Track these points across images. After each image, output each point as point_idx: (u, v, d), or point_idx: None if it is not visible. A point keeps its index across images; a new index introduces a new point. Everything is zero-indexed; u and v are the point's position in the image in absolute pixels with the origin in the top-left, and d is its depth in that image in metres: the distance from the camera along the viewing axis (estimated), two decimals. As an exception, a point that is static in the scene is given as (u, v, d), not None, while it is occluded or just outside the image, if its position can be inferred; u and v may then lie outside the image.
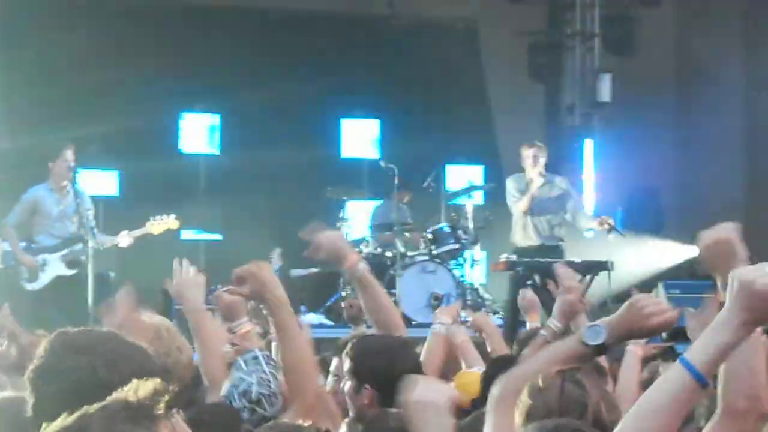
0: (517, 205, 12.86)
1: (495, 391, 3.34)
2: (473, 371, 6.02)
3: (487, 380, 5.15)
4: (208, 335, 4.90)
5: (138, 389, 2.31)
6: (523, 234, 12.98)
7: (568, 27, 17.19)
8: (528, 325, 6.91)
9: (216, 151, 16.43)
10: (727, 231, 3.38)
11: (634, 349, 5.82)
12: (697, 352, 2.59)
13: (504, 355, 5.80)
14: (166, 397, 2.29)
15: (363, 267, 4.96)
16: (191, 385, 4.60)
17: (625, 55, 17.16)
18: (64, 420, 2.40)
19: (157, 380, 2.33)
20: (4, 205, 12.35)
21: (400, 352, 4.52)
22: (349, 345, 4.61)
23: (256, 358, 4.70)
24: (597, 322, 3.35)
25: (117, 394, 2.33)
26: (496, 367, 5.18)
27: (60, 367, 3.01)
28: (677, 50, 18.22)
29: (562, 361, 3.40)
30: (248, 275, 4.14)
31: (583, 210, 13.37)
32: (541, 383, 3.48)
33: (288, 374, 4.13)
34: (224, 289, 4.31)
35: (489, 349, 6.50)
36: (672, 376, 2.60)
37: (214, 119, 16.40)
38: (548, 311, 12.57)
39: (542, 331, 5.66)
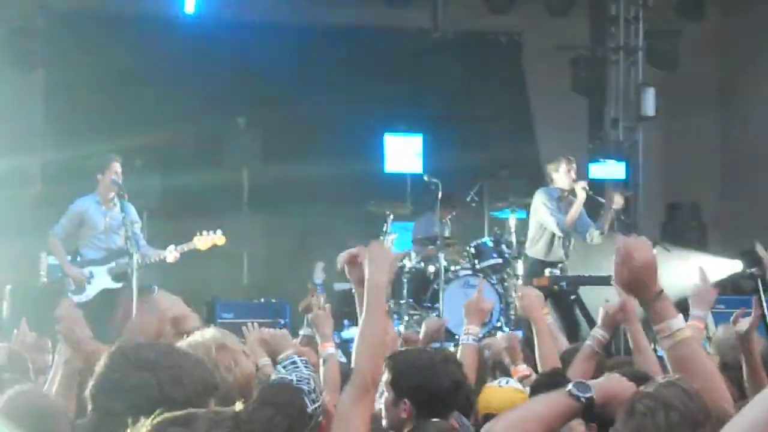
0: (563, 220, 12.80)
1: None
2: (496, 386, 6.03)
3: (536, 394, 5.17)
4: None
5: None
6: (548, 249, 12.95)
7: (612, 41, 17.18)
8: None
9: (260, 164, 16.49)
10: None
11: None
12: None
13: (552, 369, 5.78)
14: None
15: None
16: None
17: (669, 69, 17.12)
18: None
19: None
20: (51, 216, 12.42)
21: (440, 368, 4.52)
22: (389, 356, 4.62)
23: (294, 362, 4.74)
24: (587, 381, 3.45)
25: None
26: (544, 383, 5.20)
27: (125, 384, 3.04)
28: (721, 64, 18.16)
29: (553, 416, 3.47)
30: (373, 256, 4.16)
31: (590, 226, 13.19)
32: (684, 387, 3.53)
33: (360, 349, 4.12)
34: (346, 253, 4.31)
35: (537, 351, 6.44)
36: None
37: (259, 132, 16.44)
38: (589, 325, 12.60)
39: (588, 342, 5.69)
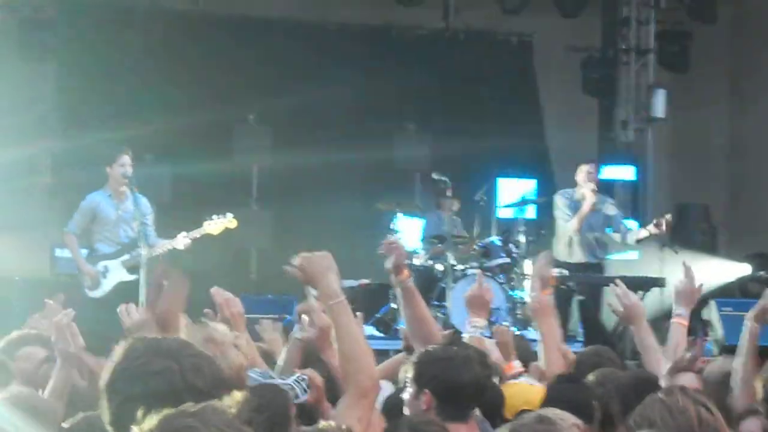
0: (571, 223, 12.88)
1: None
2: (514, 383, 6.05)
3: (552, 398, 5.20)
4: None
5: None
6: (568, 251, 13.01)
7: (623, 42, 17.17)
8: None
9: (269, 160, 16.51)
10: None
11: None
12: None
13: (570, 374, 5.78)
14: None
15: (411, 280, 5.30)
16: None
17: (680, 71, 17.12)
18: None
19: None
20: (61, 207, 12.42)
21: (461, 362, 4.52)
22: (415, 353, 4.64)
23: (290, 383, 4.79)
24: None
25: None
26: (560, 387, 5.21)
27: (147, 369, 3.06)
28: (732, 66, 18.14)
29: None
30: (307, 262, 4.23)
31: (630, 229, 13.27)
32: (668, 402, 3.56)
33: (343, 362, 4.21)
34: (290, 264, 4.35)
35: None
36: None
37: (269, 129, 16.46)
38: (592, 327, 12.64)
39: (673, 319, 5.69)
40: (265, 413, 4.14)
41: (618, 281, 5.94)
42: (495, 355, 6.47)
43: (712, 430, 3.60)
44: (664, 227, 12.54)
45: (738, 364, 5.47)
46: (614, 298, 5.81)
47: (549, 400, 4.95)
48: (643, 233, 12.80)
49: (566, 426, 3.49)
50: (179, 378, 3.06)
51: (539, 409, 4.90)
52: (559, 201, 13.08)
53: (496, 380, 5.78)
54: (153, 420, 2.63)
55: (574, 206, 12.97)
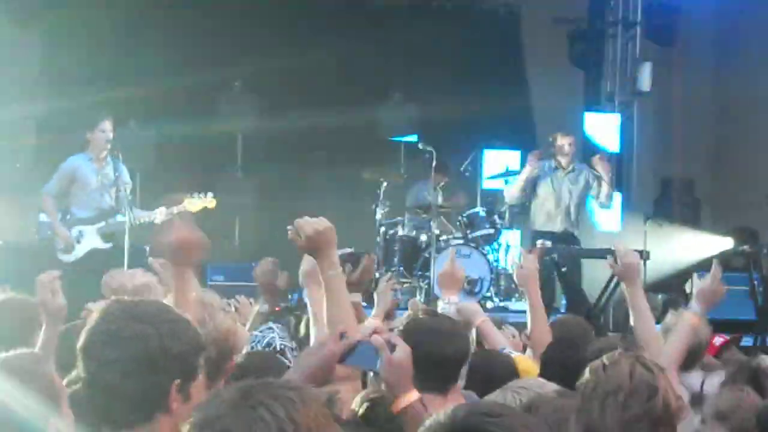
0: (508, 189, 13.05)
1: None
2: (523, 357, 6.05)
3: (548, 364, 5.20)
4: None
5: None
6: (546, 218, 13.05)
7: (610, 15, 17.16)
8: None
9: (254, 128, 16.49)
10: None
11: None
12: None
13: (565, 342, 5.79)
14: None
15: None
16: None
17: (666, 44, 17.11)
18: None
19: None
20: (46, 170, 12.35)
21: (448, 335, 4.52)
22: (401, 326, 4.64)
23: (270, 327, 4.77)
24: None
25: None
26: (558, 356, 5.23)
27: (123, 334, 3.06)
28: (718, 41, 18.12)
29: None
30: (315, 233, 4.32)
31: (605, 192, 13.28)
32: (606, 362, 3.64)
33: (330, 327, 4.25)
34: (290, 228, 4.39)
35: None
36: None
37: (255, 96, 16.43)
38: (575, 299, 12.68)
39: (686, 313, 5.65)
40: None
41: (618, 241, 5.99)
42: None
43: (645, 385, 3.62)
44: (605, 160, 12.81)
45: (671, 346, 5.43)
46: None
47: (547, 369, 5.00)
48: (605, 187, 12.90)
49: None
50: (156, 342, 3.05)
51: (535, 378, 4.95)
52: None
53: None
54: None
55: (542, 177, 13.04)
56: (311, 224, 4.35)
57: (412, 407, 3.78)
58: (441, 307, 6.17)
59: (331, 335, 4.09)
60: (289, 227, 4.39)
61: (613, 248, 5.75)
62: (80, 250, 11.76)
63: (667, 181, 17.31)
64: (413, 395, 3.82)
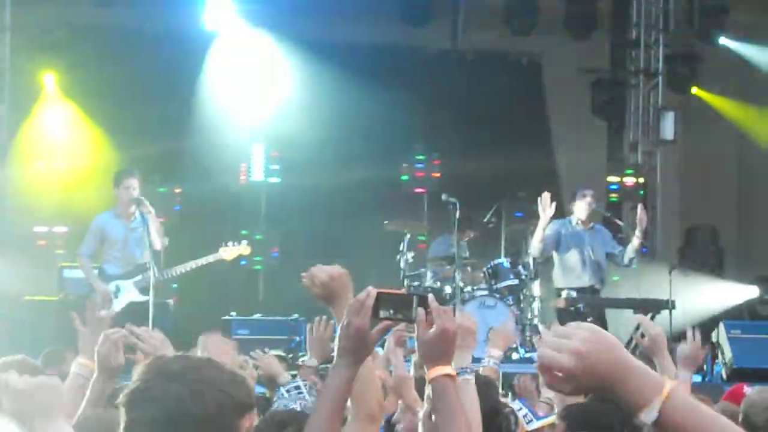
0: (531, 241, 12.99)
1: None
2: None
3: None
4: None
5: None
6: (570, 273, 13.01)
7: (632, 64, 17.19)
8: None
9: (277, 180, 16.55)
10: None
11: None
12: None
13: (578, 404, 5.75)
14: None
15: None
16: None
17: (688, 93, 17.12)
18: None
19: None
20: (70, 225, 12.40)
21: (482, 388, 4.50)
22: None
23: (297, 387, 4.72)
24: None
25: None
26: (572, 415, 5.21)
27: (150, 394, 3.03)
28: (740, 88, 18.09)
29: None
30: (330, 279, 4.17)
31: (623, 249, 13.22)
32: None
33: (354, 384, 4.17)
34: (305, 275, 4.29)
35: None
36: None
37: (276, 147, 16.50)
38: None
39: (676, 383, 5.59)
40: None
41: (640, 315, 6.01)
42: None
43: None
44: (644, 219, 12.73)
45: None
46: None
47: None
48: (636, 242, 12.81)
49: None
50: (176, 404, 3.01)
51: None
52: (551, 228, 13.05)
53: None
54: None
55: (566, 235, 13.01)
56: (325, 271, 4.22)
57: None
58: (484, 360, 6.36)
59: (354, 397, 4.05)
60: (302, 274, 4.32)
61: (636, 312, 5.78)
62: (117, 305, 11.82)
63: (691, 230, 17.24)
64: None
